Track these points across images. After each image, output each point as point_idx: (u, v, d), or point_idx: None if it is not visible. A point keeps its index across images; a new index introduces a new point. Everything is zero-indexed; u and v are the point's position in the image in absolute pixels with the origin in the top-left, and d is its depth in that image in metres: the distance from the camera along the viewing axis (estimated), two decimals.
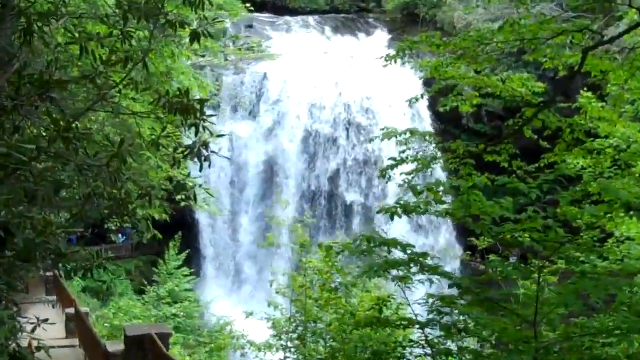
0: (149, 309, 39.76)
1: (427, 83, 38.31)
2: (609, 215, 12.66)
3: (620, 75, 16.26)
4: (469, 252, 28.03)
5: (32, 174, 9.03)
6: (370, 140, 42.30)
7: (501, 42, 14.15)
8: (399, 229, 39.97)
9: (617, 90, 18.35)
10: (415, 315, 12.04)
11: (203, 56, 39.16)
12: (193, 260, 47.84)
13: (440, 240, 47.50)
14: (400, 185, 13.53)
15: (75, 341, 26.75)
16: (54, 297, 36.71)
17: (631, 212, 14.76)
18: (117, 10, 10.19)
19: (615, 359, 11.06)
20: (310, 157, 48.37)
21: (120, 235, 47.33)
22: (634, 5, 12.17)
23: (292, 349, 21.03)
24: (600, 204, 12.11)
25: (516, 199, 11.11)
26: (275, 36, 56.77)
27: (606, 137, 18.85)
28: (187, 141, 9.74)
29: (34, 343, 8.70)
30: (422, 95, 18.81)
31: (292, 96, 49.14)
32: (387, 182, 15.58)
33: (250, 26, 56.03)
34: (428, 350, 11.64)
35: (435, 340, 11.59)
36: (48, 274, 36.12)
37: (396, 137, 16.13)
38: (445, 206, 11.70)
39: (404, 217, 11.55)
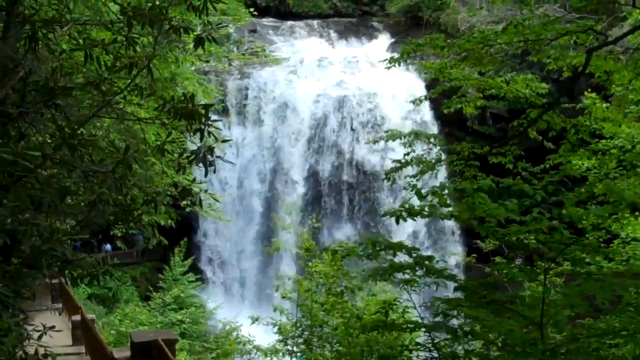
0: (155, 316, 39.76)
1: (430, 87, 38.23)
2: (614, 216, 12.69)
3: (625, 76, 16.27)
4: (474, 255, 27.94)
5: (38, 181, 9.04)
6: (375, 142, 42.33)
7: (505, 43, 14.17)
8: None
9: (621, 90, 18.37)
10: (422, 318, 12.04)
11: (207, 61, 39.03)
12: (199, 266, 47.85)
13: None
14: (405, 189, 13.55)
15: (82, 348, 26.81)
16: (60, 305, 36.79)
17: (637, 213, 14.79)
18: (121, 17, 10.21)
19: None
20: (315, 160, 48.32)
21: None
22: (638, 6, 12.18)
23: (299, 354, 21.06)
24: (605, 205, 12.11)
25: (521, 201, 11.12)
26: (279, 41, 56.76)
27: (611, 137, 18.85)
28: (192, 146, 9.75)
29: (41, 350, 8.72)
30: (426, 97, 18.85)
31: (296, 101, 49.16)
32: (392, 185, 15.58)
33: (254, 31, 56.00)
34: (435, 354, 11.64)
35: (442, 344, 11.61)
36: (54, 281, 36.13)
37: (400, 139, 16.15)
38: (450, 209, 11.72)
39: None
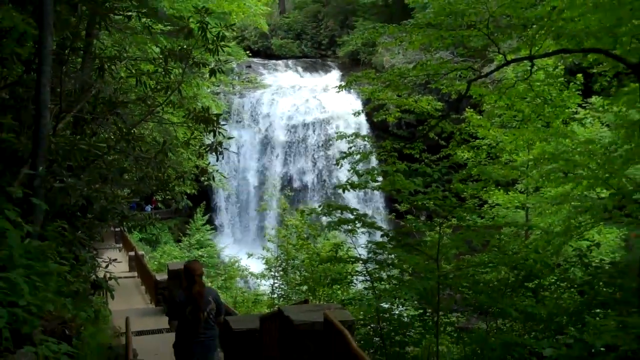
0: (184, 252, 39.56)
1: (366, 104, 38.07)
2: (484, 189, 12.75)
3: (492, 98, 16.42)
4: (394, 214, 27.98)
5: (105, 163, 9.04)
6: (328, 141, 41.96)
7: (414, 76, 14.12)
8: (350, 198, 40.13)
9: (489, 108, 18.51)
10: (360, 254, 12.05)
11: (218, 86, 38.73)
12: (213, 220, 47.45)
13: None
14: (349, 170, 13.49)
15: (135, 274, 26.66)
16: (121, 245, 36.55)
17: (499, 187, 14.75)
18: (160, 55, 10.17)
19: (488, 282, 11.19)
20: (290, 150, 48.09)
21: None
22: (501, 52, 12.17)
23: (279, 277, 21.10)
24: (479, 182, 12.23)
25: (424, 179, 11.20)
26: (265, 73, 56.27)
27: (483, 138, 19.06)
28: (208, 141, 9.75)
29: (107, 275, 8.65)
30: (361, 111, 18.91)
31: (276, 113, 48.86)
32: (339, 168, 15.46)
33: (249, 66, 55.37)
34: (368, 278, 11.67)
35: (373, 271, 11.63)
36: (116, 229, 35.83)
37: (346, 138, 16.03)
38: (378, 184, 11.86)
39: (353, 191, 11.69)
